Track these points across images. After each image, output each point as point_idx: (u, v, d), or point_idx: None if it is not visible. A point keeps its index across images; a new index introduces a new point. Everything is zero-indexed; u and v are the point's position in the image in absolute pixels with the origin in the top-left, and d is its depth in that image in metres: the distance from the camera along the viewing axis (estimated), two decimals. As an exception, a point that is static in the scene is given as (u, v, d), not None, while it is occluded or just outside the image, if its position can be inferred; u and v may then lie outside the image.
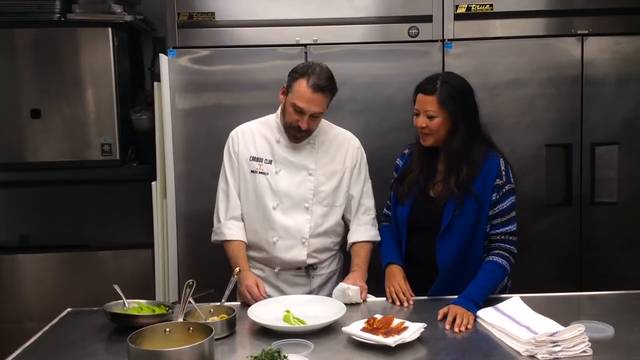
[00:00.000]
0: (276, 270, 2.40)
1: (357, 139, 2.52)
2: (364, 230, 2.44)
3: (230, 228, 2.39)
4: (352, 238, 2.44)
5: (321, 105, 2.29)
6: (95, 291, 3.20)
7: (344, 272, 2.50)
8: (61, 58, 3.19)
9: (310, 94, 2.25)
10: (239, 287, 2.26)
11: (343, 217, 2.47)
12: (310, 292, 2.39)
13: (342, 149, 2.45)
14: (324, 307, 2.07)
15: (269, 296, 2.27)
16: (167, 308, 2.07)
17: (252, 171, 2.38)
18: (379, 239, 2.45)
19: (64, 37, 3.20)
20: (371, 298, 2.27)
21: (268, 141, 2.41)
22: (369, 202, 2.50)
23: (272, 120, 2.45)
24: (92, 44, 3.21)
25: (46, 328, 2.04)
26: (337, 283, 2.41)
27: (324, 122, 2.44)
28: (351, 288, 2.18)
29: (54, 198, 3.45)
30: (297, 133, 2.32)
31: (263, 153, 2.39)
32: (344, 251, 2.52)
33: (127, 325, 1.93)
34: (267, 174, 2.37)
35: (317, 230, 2.39)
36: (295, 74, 2.29)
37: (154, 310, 2.04)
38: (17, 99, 3.20)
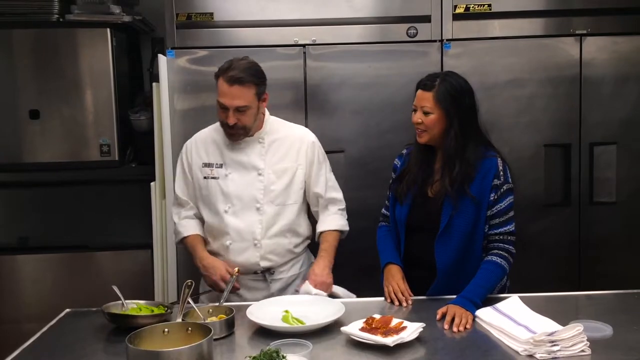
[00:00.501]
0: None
1: (312, 134, 2.51)
2: (331, 220, 2.47)
3: (184, 226, 2.45)
4: (320, 227, 2.47)
5: (243, 98, 2.26)
6: (94, 292, 3.20)
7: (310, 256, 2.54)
8: (60, 59, 3.19)
9: (227, 87, 2.25)
10: (206, 274, 2.32)
11: (310, 215, 2.50)
12: (269, 297, 2.33)
13: (294, 146, 2.43)
14: (322, 307, 2.07)
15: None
16: (166, 308, 2.07)
17: (204, 177, 2.40)
18: (347, 228, 2.49)
19: (62, 37, 3.20)
20: (338, 290, 2.31)
21: (218, 146, 2.42)
22: (336, 194, 2.51)
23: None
24: (91, 44, 3.21)
25: (45, 329, 2.04)
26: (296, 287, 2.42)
27: (276, 120, 2.45)
28: (320, 293, 2.21)
29: (53, 199, 3.45)
30: (228, 130, 2.32)
31: (215, 158, 2.41)
32: (315, 253, 2.49)
33: (126, 326, 1.93)
34: (218, 178, 2.38)
35: (271, 231, 2.37)
36: (217, 73, 2.31)
37: (152, 311, 2.04)
38: (16, 100, 3.20)
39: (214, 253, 2.41)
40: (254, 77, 2.29)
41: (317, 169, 2.45)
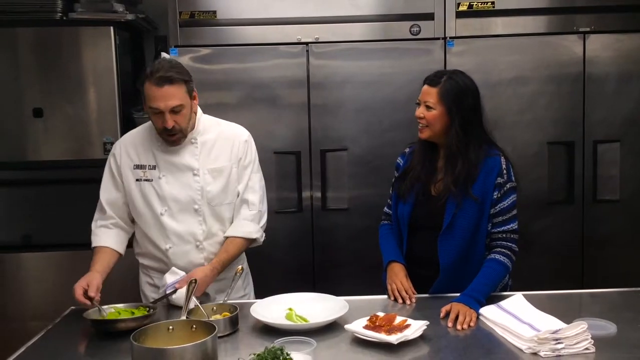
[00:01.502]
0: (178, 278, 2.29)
1: (245, 132, 2.40)
2: (239, 225, 2.34)
3: (97, 235, 2.33)
4: (227, 232, 2.34)
5: (176, 97, 2.17)
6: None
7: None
8: (63, 57, 3.20)
9: (157, 90, 2.15)
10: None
11: None
12: (208, 297, 2.30)
13: (226, 145, 2.35)
14: (326, 305, 2.07)
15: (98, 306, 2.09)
16: (148, 308, 2.03)
17: (137, 180, 2.30)
18: (255, 236, 2.34)
19: (66, 36, 3.20)
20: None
21: (149, 147, 2.32)
22: (253, 196, 2.36)
23: (153, 126, 2.33)
24: (94, 43, 3.22)
25: (50, 326, 2.05)
26: (241, 287, 2.40)
27: (208, 119, 2.37)
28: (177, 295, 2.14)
29: (57, 197, 3.46)
30: (169, 135, 2.23)
31: (146, 159, 2.31)
32: (249, 253, 2.47)
33: (109, 331, 1.93)
34: (152, 180, 2.29)
35: (212, 232, 2.33)
36: (142, 80, 2.20)
37: (133, 313, 2.01)
38: (20, 98, 3.21)
39: (154, 258, 2.34)
40: (181, 74, 2.20)
41: (242, 167, 2.37)
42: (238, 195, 2.36)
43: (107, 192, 2.35)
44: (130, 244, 2.44)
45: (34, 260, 3.35)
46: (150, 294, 2.37)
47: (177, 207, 2.29)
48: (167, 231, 2.29)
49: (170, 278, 2.21)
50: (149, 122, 2.36)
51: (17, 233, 3.45)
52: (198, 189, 2.30)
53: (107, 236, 2.32)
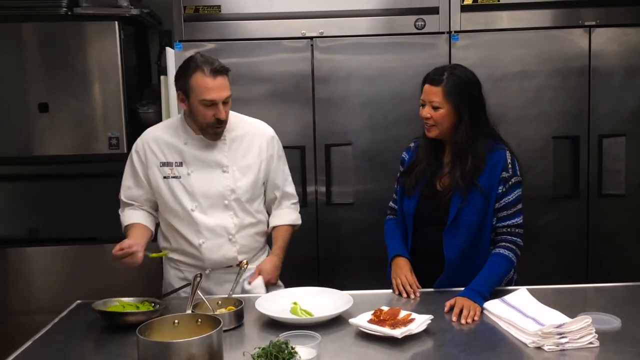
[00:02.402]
0: (207, 272, 2.34)
1: (270, 128, 2.45)
2: (286, 214, 2.45)
3: (127, 215, 2.37)
4: (274, 221, 2.44)
5: (227, 88, 2.23)
6: (104, 284, 3.25)
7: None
8: (68, 52, 3.21)
9: (212, 81, 2.18)
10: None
11: (266, 207, 2.48)
12: (282, 286, 2.35)
13: (255, 141, 2.38)
14: (331, 299, 2.08)
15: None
16: (153, 304, 2.04)
17: (164, 177, 2.31)
18: (299, 222, 2.48)
19: (70, 31, 3.21)
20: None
21: (175, 144, 2.33)
22: (291, 188, 2.50)
23: (176, 123, 2.38)
24: (99, 37, 3.22)
25: (56, 320, 2.06)
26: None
27: (233, 116, 2.37)
28: (253, 286, 2.23)
29: (63, 191, 3.48)
30: (217, 127, 2.26)
31: (172, 156, 2.32)
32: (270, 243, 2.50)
33: (116, 324, 1.94)
34: (180, 177, 2.30)
35: (243, 224, 2.36)
36: (187, 73, 2.21)
37: (137, 307, 2.02)
38: (25, 93, 3.22)
39: (185, 254, 2.36)
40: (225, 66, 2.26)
41: (277, 162, 2.43)
42: (276, 188, 2.44)
43: (128, 190, 2.38)
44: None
45: (40, 255, 3.36)
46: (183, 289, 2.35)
47: (208, 202, 2.31)
48: (199, 226, 2.31)
49: (247, 274, 2.26)
50: (170, 119, 2.40)
51: (23, 227, 3.48)
52: (227, 185, 2.32)
53: (136, 215, 2.36)
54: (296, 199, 2.52)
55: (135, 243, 2.18)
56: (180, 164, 2.31)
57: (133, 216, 2.37)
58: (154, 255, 2.29)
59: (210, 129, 2.26)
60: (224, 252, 2.33)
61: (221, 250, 2.33)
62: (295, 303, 2.04)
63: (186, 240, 2.33)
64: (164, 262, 2.49)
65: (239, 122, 2.39)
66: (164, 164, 2.32)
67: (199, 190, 2.30)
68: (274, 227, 2.44)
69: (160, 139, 2.35)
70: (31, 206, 3.49)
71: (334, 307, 2.00)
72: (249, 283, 2.26)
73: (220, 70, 2.20)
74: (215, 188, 2.31)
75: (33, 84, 3.23)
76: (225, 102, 2.23)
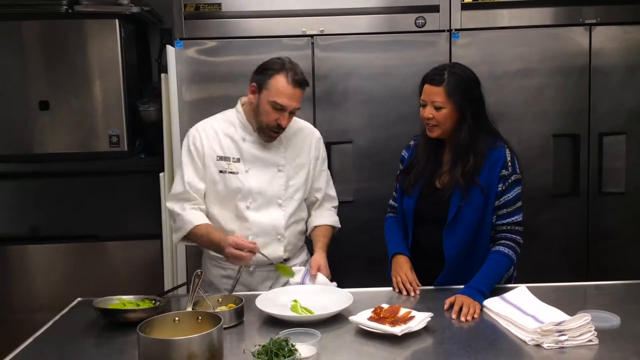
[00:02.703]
0: (251, 269, 2.35)
1: (317, 130, 2.51)
2: (328, 215, 2.48)
3: (192, 215, 2.30)
4: (316, 221, 2.45)
5: (299, 101, 2.26)
6: (104, 281, 3.26)
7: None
8: (69, 50, 3.21)
9: (291, 89, 2.20)
10: (225, 250, 2.17)
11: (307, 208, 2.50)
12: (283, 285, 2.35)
13: (306, 141, 2.43)
14: (331, 297, 2.09)
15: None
16: (154, 301, 2.04)
17: (220, 171, 2.31)
18: (339, 226, 2.50)
19: (71, 28, 3.21)
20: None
21: (233, 139, 2.33)
22: (332, 191, 2.53)
23: (232, 117, 2.38)
24: (100, 35, 3.23)
25: (57, 317, 2.07)
26: (305, 273, 2.40)
27: None
28: (333, 284, 2.21)
29: (63, 189, 3.48)
30: (275, 132, 2.28)
31: (230, 151, 2.32)
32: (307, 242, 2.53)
33: (117, 321, 1.95)
34: (237, 173, 2.31)
35: (290, 223, 2.38)
36: (270, 71, 2.22)
37: (138, 305, 2.02)
38: (26, 91, 3.22)
39: None
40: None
41: (320, 164, 2.47)
42: (318, 190, 2.46)
43: (189, 184, 2.32)
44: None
45: (41, 252, 3.38)
46: (223, 285, 2.38)
47: (262, 200, 2.33)
48: (250, 224, 2.32)
49: (298, 277, 2.26)
50: (225, 113, 2.40)
51: (24, 225, 3.48)
52: (282, 184, 2.35)
53: (202, 216, 2.32)
54: (336, 202, 2.54)
55: (252, 242, 2.18)
56: (238, 160, 2.32)
57: (199, 216, 2.32)
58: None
59: (267, 131, 2.28)
60: (272, 250, 2.34)
61: (269, 248, 2.33)
62: (295, 300, 2.05)
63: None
64: (204, 260, 2.49)
65: (292, 122, 2.37)
66: (221, 158, 2.32)
67: (255, 187, 2.31)
68: (315, 227, 2.45)
69: (219, 132, 2.34)
70: (32, 204, 3.49)
71: (334, 305, 2.00)
72: (312, 281, 2.23)
73: (301, 83, 2.22)
74: (271, 187, 2.33)
75: (34, 81, 3.23)
76: (291, 112, 2.25)
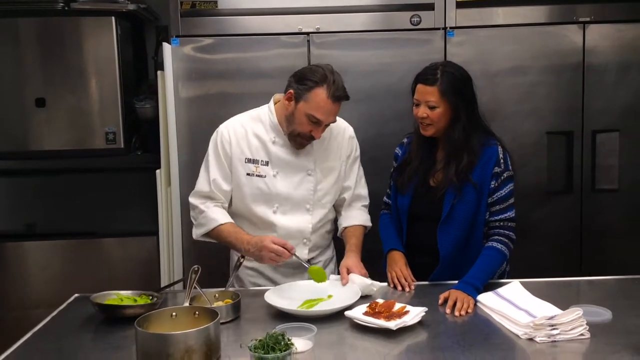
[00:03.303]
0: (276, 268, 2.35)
1: (350, 127, 2.43)
2: (358, 215, 2.43)
3: (217, 213, 2.27)
4: (346, 222, 2.41)
5: (337, 114, 2.21)
6: (101, 278, 3.27)
7: (338, 258, 2.51)
8: (65, 47, 3.22)
9: (330, 104, 2.14)
10: (259, 248, 2.11)
11: (335, 207, 2.45)
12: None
13: (336, 141, 2.36)
14: (339, 291, 2.11)
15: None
16: (151, 297, 2.05)
17: (247, 174, 2.27)
18: (370, 224, 2.45)
19: (67, 26, 3.22)
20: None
21: (262, 141, 2.28)
22: (364, 191, 2.47)
23: (263, 116, 2.32)
24: (96, 33, 3.24)
25: (54, 313, 2.08)
26: (333, 269, 2.44)
27: None
28: (375, 284, 2.15)
29: (60, 186, 3.48)
30: (307, 141, 2.23)
31: (258, 154, 2.27)
32: (335, 237, 2.52)
33: (115, 316, 1.95)
34: (265, 176, 2.26)
35: (317, 226, 2.36)
36: (310, 82, 2.15)
37: (135, 300, 2.03)
38: (22, 88, 3.24)
39: None
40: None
41: (352, 162, 2.41)
42: (347, 189, 2.40)
43: (214, 182, 2.27)
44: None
45: (38, 249, 3.39)
46: (251, 279, 2.37)
47: (289, 205, 2.28)
48: (276, 227, 2.28)
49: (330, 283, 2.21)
50: (254, 113, 2.33)
51: (21, 222, 3.49)
52: (311, 189, 2.30)
53: (226, 216, 2.29)
54: (367, 201, 2.48)
55: (280, 241, 2.12)
56: (267, 164, 2.26)
57: (223, 215, 2.27)
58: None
59: (298, 139, 2.23)
60: (297, 254, 2.27)
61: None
62: (305, 302, 2.05)
63: None
64: (232, 256, 2.46)
65: None
66: (249, 161, 2.27)
67: (283, 192, 2.27)
68: (345, 228, 2.40)
69: (249, 132, 2.28)
70: (28, 201, 3.49)
71: (339, 300, 2.02)
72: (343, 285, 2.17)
73: (342, 97, 2.17)
74: (299, 192, 2.29)
75: (30, 79, 3.24)
76: (326, 124, 2.21)
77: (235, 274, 2.27)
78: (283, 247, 2.10)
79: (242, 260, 2.30)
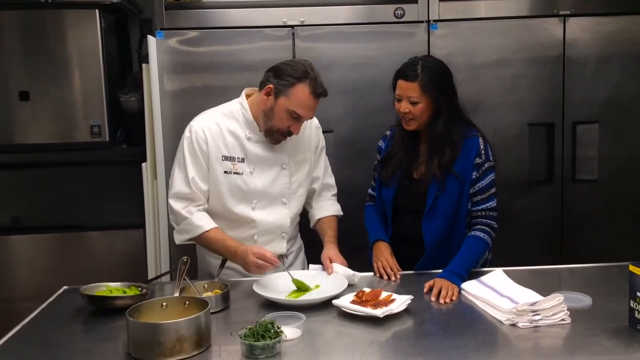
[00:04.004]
0: None
1: (315, 118, 2.40)
2: (329, 205, 2.47)
3: (201, 219, 2.24)
4: (319, 214, 2.43)
5: (314, 110, 2.22)
6: (87, 271, 3.27)
7: (306, 245, 2.56)
8: (49, 40, 3.20)
9: (312, 101, 2.15)
10: (245, 260, 2.12)
11: None
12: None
13: (305, 133, 2.35)
14: (326, 280, 2.15)
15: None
16: (140, 288, 2.05)
17: (225, 172, 2.24)
18: (342, 213, 2.49)
19: (50, 18, 3.20)
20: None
21: (237, 137, 2.26)
22: (332, 180, 2.51)
23: (236, 112, 2.28)
24: (79, 25, 3.22)
25: (44, 305, 2.08)
26: (302, 259, 2.47)
27: None
28: (356, 274, 2.17)
29: (45, 180, 3.46)
30: (283, 137, 2.24)
31: (234, 151, 2.25)
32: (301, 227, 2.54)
33: (104, 307, 1.96)
34: (242, 173, 2.25)
35: (294, 220, 2.40)
36: (291, 78, 2.13)
37: (124, 292, 2.03)
38: (6, 82, 3.21)
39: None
40: None
41: (319, 153, 2.44)
42: (316, 179, 2.42)
43: (192, 182, 2.23)
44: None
45: (23, 243, 3.37)
46: (222, 276, 2.30)
47: (267, 200, 2.29)
48: (256, 223, 2.29)
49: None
50: (228, 106, 2.30)
51: (6, 215, 3.46)
52: (287, 182, 2.31)
53: (210, 221, 2.25)
54: (335, 190, 2.51)
55: (266, 253, 2.10)
56: (242, 160, 2.25)
57: (207, 221, 2.24)
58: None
59: (276, 134, 2.22)
60: (274, 247, 2.31)
61: (272, 245, 2.32)
62: (293, 292, 2.08)
63: (239, 236, 2.27)
64: (200, 253, 2.45)
65: None
66: (226, 158, 2.24)
67: (260, 188, 2.27)
68: (318, 219, 2.42)
69: (223, 129, 2.25)
70: (14, 194, 3.46)
71: (326, 290, 2.06)
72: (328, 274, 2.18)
73: (322, 94, 2.17)
74: (276, 186, 2.29)
75: (13, 72, 3.21)
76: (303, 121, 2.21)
77: (220, 271, 2.26)
78: (270, 260, 2.10)
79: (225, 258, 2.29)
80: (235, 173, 2.25)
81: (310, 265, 2.32)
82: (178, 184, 2.26)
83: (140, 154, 3.21)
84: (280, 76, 2.17)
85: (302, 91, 2.13)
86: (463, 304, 2.00)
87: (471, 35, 3.15)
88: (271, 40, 3.10)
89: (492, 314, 1.88)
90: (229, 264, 2.29)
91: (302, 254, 2.55)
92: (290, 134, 2.23)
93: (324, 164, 2.48)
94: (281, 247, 2.36)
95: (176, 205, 2.26)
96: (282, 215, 2.34)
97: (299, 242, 2.54)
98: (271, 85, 2.18)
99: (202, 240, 2.27)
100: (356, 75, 3.14)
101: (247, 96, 2.33)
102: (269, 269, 2.13)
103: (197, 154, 2.23)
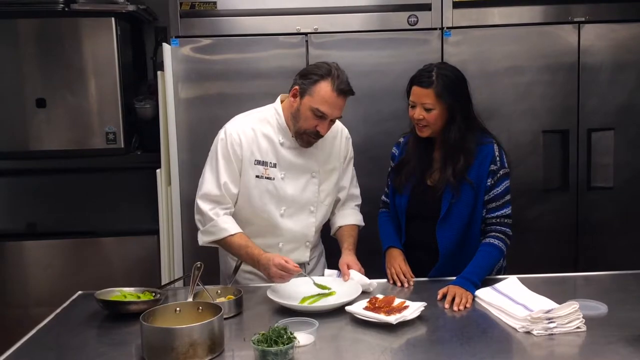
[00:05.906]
0: None
1: (345, 129, 2.44)
2: (352, 214, 2.47)
3: (227, 222, 2.24)
4: (341, 221, 2.44)
5: (342, 109, 2.21)
6: (102, 277, 3.29)
7: (326, 251, 2.57)
8: (65, 48, 3.24)
9: (335, 98, 2.14)
10: (267, 270, 2.11)
11: None
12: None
13: (335, 142, 2.38)
14: (340, 287, 2.14)
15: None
16: (154, 293, 2.06)
17: (257, 176, 2.25)
18: (363, 224, 2.49)
19: (67, 27, 3.24)
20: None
21: (271, 142, 2.27)
22: (357, 190, 2.51)
23: (270, 117, 2.30)
24: (96, 33, 3.26)
25: (58, 310, 2.10)
26: (323, 264, 2.47)
27: None
28: (373, 283, 2.16)
29: (60, 186, 3.50)
30: (313, 138, 2.23)
31: (267, 156, 2.26)
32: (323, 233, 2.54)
33: (118, 312, 1.98)
34: (273, 179, 2.25)
35: (318, 228, 2.40)
36: (315, 76, 2.15)
37: (138, 297, 2.04)
38: (22, 89, 3.26)
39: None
40: None
41: (347, 163, 2.45)
42: (342, 189, 2.43)
43: (224, 186, 2.24)
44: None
45: (38, 248, 3.40)
46: (245, 281, 2.36)
47: (295, 207, 2.30)
48: (282, 230, 2.29)
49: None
50: (262, 111, 2.30)
51: (21, 221, 3.50)
52: (315, 191, 2.32)
53: (235, 225, 2.25)
54: (360, 201, 2.51)
55: (296, 266, 2.09)
56: (275, 166, 2.25)
57: (233, 225, 2.24)
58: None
59: (305, 136, 2.22)
60: (298, 256, 2.31)
61: (295, 253, 2.33)
62: (305, 298, 2.08)
63: (264, 242, 2.28)
64: (223, 256, 2.45)
65: None
66: (258, 162, 2.25)
67: (290, 194, 2.27)
68: (339, 227, 2.42)
69: (257, 134, 2.25)
70: (29, 201, 3.51)
71: (340, 296, 2.05)
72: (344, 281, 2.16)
73: (346, 92, 2.16)
74: (305, 194, 2.30)
75: (30, 79, 3.26)
76: (331, 120, 2.20)
77: (234, 277, 2.27)
78: (292, 271, 2.07)
79: (239, 263, 2.30)
80: (267, 178, 2.25)
81: (326, 270, 2.32)
82: (208, 185, 2.26)
83: (155, 160, 3.23)
84: (305, 76, 2.19)
85: (324, 88, 2.13)
86: (477, 311, 1.99)
87: (485, 42, 3.15)
88: (285, 47, 3.12)
89: (507, 321, 1.87)
90: (250, 268, 2.30)
91: (322, 259, 2.55)
92: (319, 135, 2.22)
93: (351, 174, 2.49)
94: (305, 255, 2.37)
95: (204, 206, 2.26)
96: (308, 224, 2.34)
97: (320, 247, 2.55)
98: (297, 87, 2.21)
99: (225, 244, 2.27)
100: (369, 82, 3.14)
101: (282, 102, 2.35)
102: (288, 279, 2.11)
103: (230, 157, 2.24)
